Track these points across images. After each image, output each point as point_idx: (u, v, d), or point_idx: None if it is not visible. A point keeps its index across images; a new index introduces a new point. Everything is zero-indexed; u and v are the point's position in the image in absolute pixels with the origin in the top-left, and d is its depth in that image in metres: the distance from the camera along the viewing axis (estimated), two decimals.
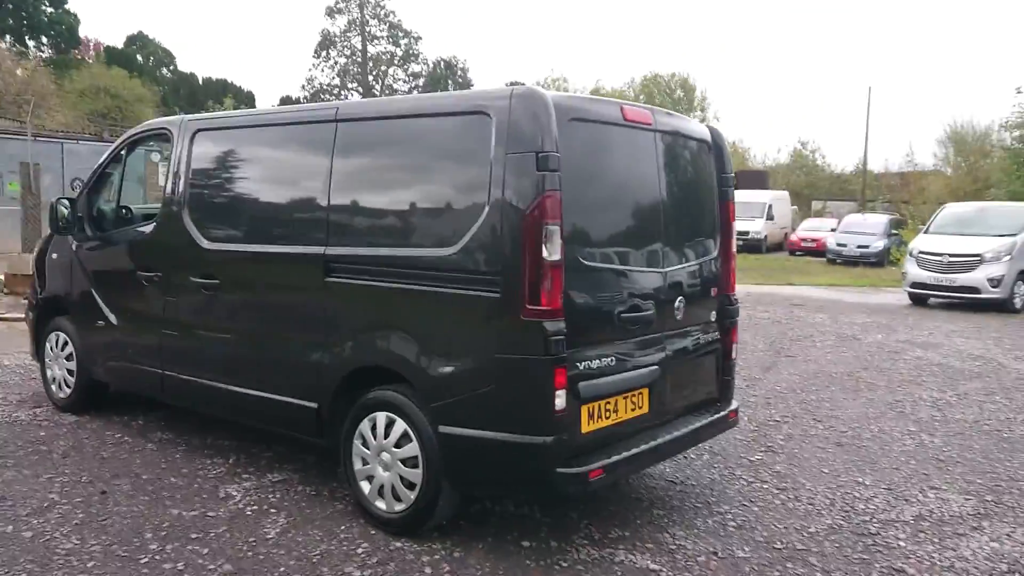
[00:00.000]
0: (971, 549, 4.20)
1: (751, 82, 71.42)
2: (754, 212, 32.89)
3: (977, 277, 14.63)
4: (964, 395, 7.79)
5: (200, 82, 56.04)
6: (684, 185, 4.53)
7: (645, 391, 4.15)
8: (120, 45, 54.03)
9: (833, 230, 31.30)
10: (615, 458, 3.82)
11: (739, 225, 28.43)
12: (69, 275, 5.96)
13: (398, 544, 4.01)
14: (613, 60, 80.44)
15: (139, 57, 55.01)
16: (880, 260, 26.47)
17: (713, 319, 4.68)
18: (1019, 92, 23.46)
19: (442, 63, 65.16)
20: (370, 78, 68.95)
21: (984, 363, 9.51)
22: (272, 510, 4.41)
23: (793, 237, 32.53)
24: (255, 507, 4.44)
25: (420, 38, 68.09)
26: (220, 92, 50.26)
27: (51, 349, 6.21)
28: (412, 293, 3.95)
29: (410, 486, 4.01)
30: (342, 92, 69.36)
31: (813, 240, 31.51)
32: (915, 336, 11.28)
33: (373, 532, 4.14)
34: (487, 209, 3.65)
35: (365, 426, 4.17)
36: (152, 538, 4.03)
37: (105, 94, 35.31)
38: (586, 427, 3.77)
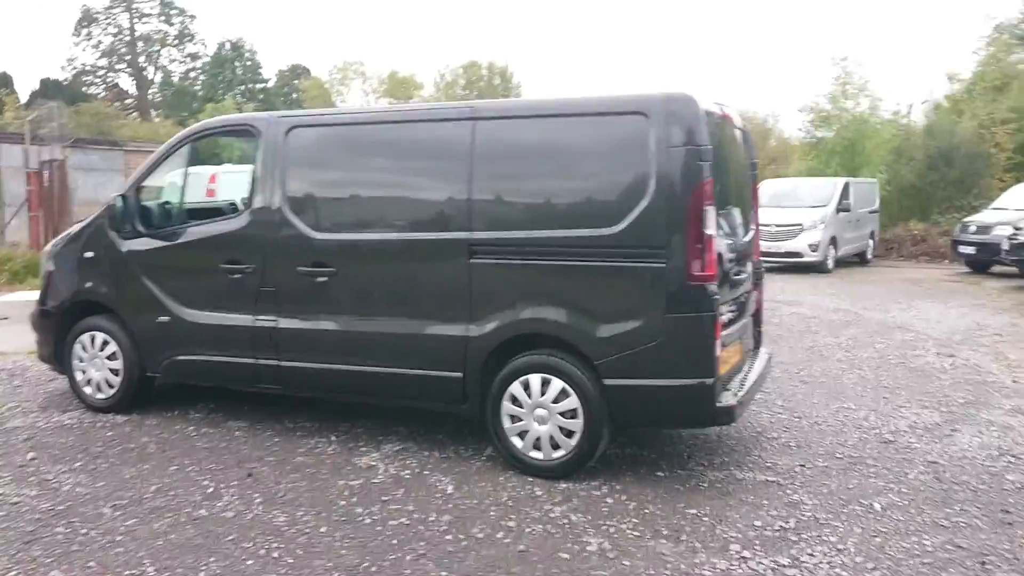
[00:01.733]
0: (965, 443, 5.53)
1: (566, 73, 75.01)
2: None
3: (799, 243, 17.01)
4: (854, 339, 9.45)
5: None
6: (744, 169, 5.50)
7: (739, 342, 5.09)
8: None
9: None
10: (740, 394, 4.73)
11: None
12: (114, 273, 5.90)
13: (565, 485, 4.67)
14: (423, 46, 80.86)
15: None
16: None
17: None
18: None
19: (228, 44, 62.33)
20: (141, 59, 64.49)
21: (845, 313, 11.39)
22: (425, 472, 4.89)
23: None
24: (407, 473, 4.89)
25: (195, 17, 64.60)
26: None
27: (83, 350, 6.08)
28: (572, 268, 4.61)
29: (568, 434, 4.68)
30: (109, 74, 64.37)
31: None
32: (774, 295, 13.09)
33: (529, 480, 4.75)
34: (649, 194, 4.40)
35: (516, 388, 4.77)
36: (349, 504, 4.39)
37: None
38: (720, 371, 4.64)
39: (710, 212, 4.37)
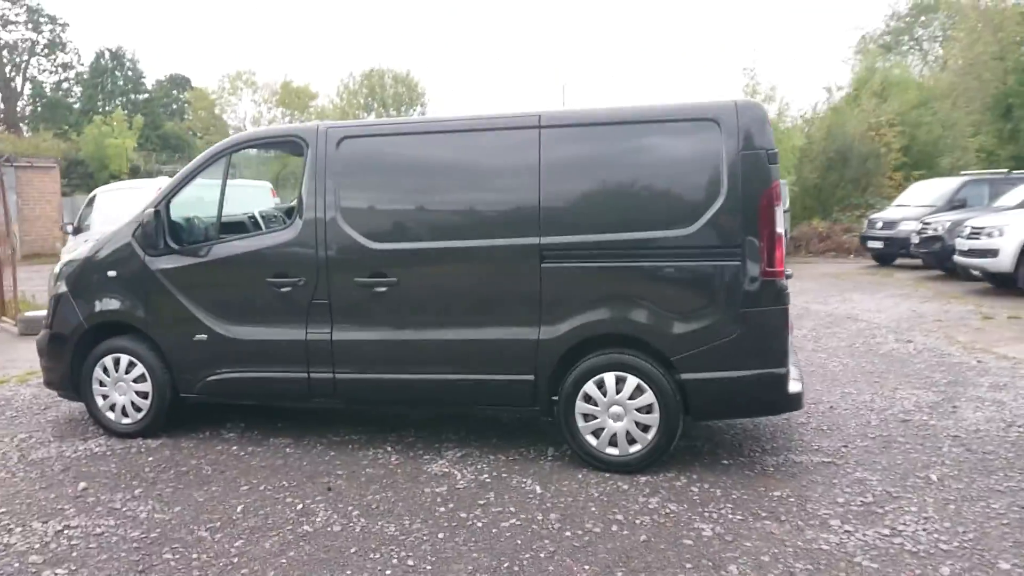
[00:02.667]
0: (972, 418, 6.04)
1: (467, 80, 75.20)
2: None
3: None
4: (815, 330, 10.06)
5: None
6: None
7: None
8: None
9: None
10: (797, 379, 5.04)
11: None
12: (143, 291, 5.69)
13: (644, 478, 4.86)
14: (314, 56, 79.29)
15: None
16: None
17: None
18: None
19: (107, 53, 59.42)
20: (7, 69, 60.67)
21: (792, 307, 12.03)
22: (503, 475, 4.97)
23: None
24: (486, 477, 4.96)
25: (68, 25, 61.34)
26: None
27: (104, 374, 5.84)
28: (646, 269, 4.81)
29: (644, 429, 4.88)
30: None
31: None
32: None
33: (607, 475, 4.92)
34: (722, 197, 4.66)
35: (590, 387, 4.93)
36: (449, 510, 4.44)
37: None
38: None
39: (779, 212, 4.65)
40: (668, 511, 4.38)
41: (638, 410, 4.88)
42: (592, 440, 4.97)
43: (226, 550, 4.02)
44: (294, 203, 6.54)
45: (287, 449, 5.56)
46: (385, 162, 5.30)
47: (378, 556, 3.92)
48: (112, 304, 5.80)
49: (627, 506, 4.46)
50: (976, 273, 13.78)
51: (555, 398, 5.07)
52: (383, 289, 5.20)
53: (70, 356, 5.92)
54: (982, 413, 6.15)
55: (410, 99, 38.09)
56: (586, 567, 3.76)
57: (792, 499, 4.52)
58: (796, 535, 4.06)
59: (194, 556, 3.96)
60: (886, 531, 4.08)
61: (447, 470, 5.08)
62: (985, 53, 40.40)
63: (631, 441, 4.91)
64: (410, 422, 6.05)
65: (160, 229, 5.51)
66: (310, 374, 5.40)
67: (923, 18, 61.01)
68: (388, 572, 3.76)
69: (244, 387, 5.60)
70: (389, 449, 5.51)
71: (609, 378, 4.91)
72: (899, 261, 18.20)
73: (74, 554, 4.01)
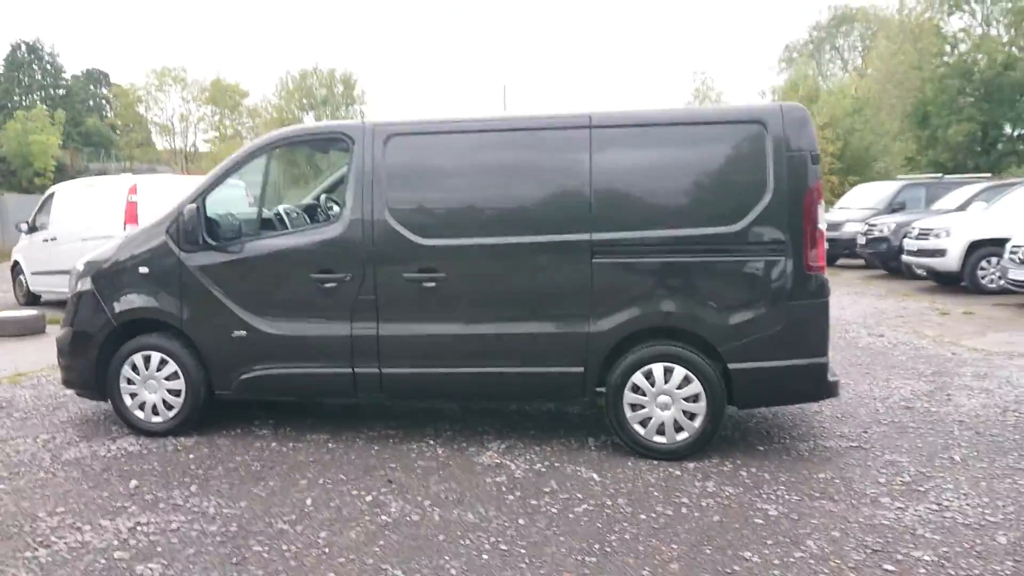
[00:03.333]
0: (969, 405, 6.47)
1: (412, 81, 74.93)
2: None
3: None
4: None
5: None
6: None
7: None
8: None
9: None
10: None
11: None
12: (176, 287, 5.64)
13: (692, 464, 5.08)
14: (251, 53, 77.83)
15: None
16: None
17: None
18: None
19: (24, 46, 57.03)
20: None
21: None
22: (556, 464, 5.13)
23: None
24: (540, 466, 5.10)
25: None
26: None
27: (133, 372, 5.76)
28: (695, 263, 5.04)
29: (691, 417, 5.10)
30: None
31: None
32: None
33: (656, 463, 5.12)
34: (768, 195, 4.92)
35: (638, 377, 5.13)
36: (517, 499, 4.58)
37: None
38: None
39: (821, 209, 4.94)
40: (727, 494, 4.60)
41: (685, 399, 5.09)
42: (640, 429, 5.16)
43: (314, 541, 4.06)
44: (313, 201, 6.59)
45: (328, 444, 5.59)
46: (434, 160, 5.38)
47: (468, 542, 4.02)
48: (144, 301, 5.72)
49: (687, 490, 4.66)
50: (921, 272, 14.55)
51: (599, 389, 5.23)
52: (431, 284, 5.28)
53: (96, 354, 5.81)
54: (976, 400, 6.58)
55: (349, 98, 37.72)
56: (674, 547, 3.95)
57: (837, 480, 4.80)
58: (854, 512, 4.33)
59: (284, 547, 3.99)
60: (934, 506, 4.39)
61: (499, 461, 5.20)
62: (904, 63, 42.44)
63: (678, 429, 5.13)
64: (441, 416, 6.14)
65: (200, 225, 5.47)
66: (355, 369, 5.44)
67: (843, 28, 63.55)
68: (485, 557, 3.87)
69: (284, 384, 5.61)
70: (431, 442, 5.59)
71: (657, 368, 5.11)
72: (841, 261, 19.01)
73: (159, 549, 3.99)
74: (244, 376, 5.61)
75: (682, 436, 5.13)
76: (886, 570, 3.68)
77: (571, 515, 4.34)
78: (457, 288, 5.28)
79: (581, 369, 5.19)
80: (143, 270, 5.70)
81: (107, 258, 5.85)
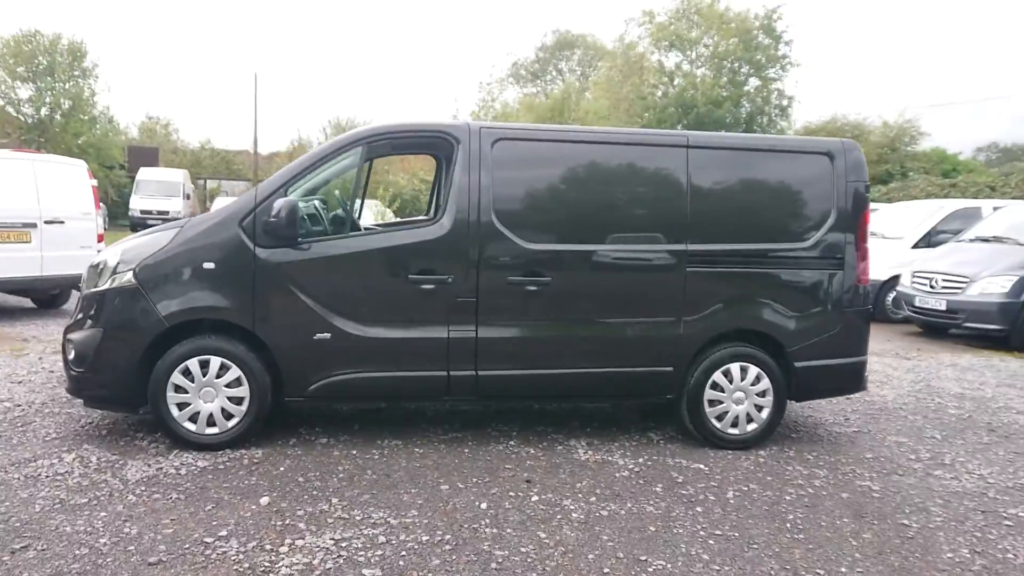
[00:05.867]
0: (959, 403, 7.87)
1: (160, 64, 67.05)
2: (173, 191, 32.68)
3: None
4: None
5: None
6: None
7: None
8: None
9: None
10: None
11: (157, 204, 29.11)
12: (248, 286, 5.19)
13: (762, 452, 5.77)
14: None
15: None
16: None
17: None
18: None
19: None
20: None
21: None
22: (656, 458, 5.54)
23: None
24: (643, 460, 5.48)
25: None
26: None
27: (186, 379, 5.21)
28: (771, 274, 5.73)
29: (759, 410, 5.80)
30: None
31: None
32: None
33: (732, 452, 5.74)
34: (832, 218, 5.77)
35: (718, 376, 5.73)
36: (671, 491, 4.95)
37: None
38: None
39: (869, 231, 5.88)
40: (822, 475, 5.33)
41: (757, 395, 5.75)
42: (716, 422, 5.73)
43: (543, 540, 4.11)
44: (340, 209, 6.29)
45: (417, 451, 5.47)
46: (542, 166, 5.52)
47: (680, 531, 4.32)
48: (208, 300, 5.17)
49: (791, 473, 5.32)
50: None
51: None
52: (534, 288, 5.42)
53: (137, 360, 5.14)
54: (956, 386, 7.99)
55: (75, 70, 33.65)
56: (845, 520, 4.57)
57: (883, 458, 5.74)
58: (924, 480, 5.27)
59: (523, 549, 4.01)
60: (975, 475, 5.45)
61: (599, 457, 5.48)
62: (631, 92, 47.11)
63: (748, 421, 5.77)
64: (491, 417, 6.22)
65: (297, 222, 5.09)
66: (450, 372, 5.40)
67: (566, 52, 68.75)
68: (712, 542, 4.20)
69: (370, 387, 5.39)
70: (514, 444, 5.70)
71: (735, 367, 5.72)
72: None
73: (401, 563, 3.81)
74: (323, 381, 5.31)
75: (751, 427, 5.78)
76: (1007, 525, 4.59)
77: (730, 501, 4.79)
78: (559, 292, 5.46)
79: (671, 368, 5.64)
80: (208, 266, 5.15)
81: (157, 250, 5.19)
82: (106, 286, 5.21)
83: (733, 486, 5.03)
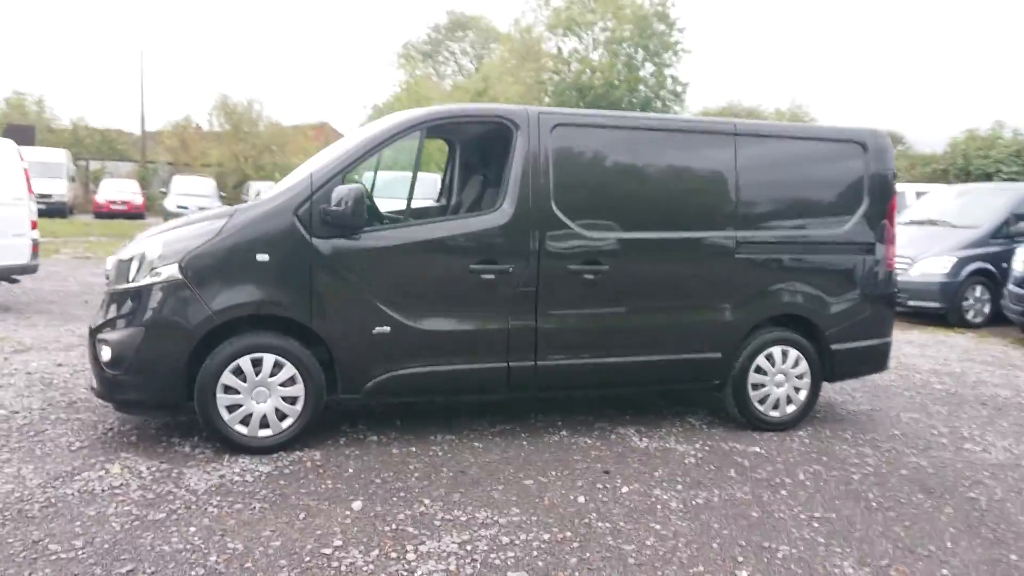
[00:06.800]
0: (939, 378, 8.25)
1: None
2: (55, 172, 30.55)
3: None
4: None
5: None
6: None
7: None
8: None
9: (146, 192, 31.86)
10: None
11: (39, 186, 27.35)
12: (305, 278, 4.90)
13: (804, 433, 5.94)
14: None
15: None
16: None
17: None
18: None
19: None
20: None
21: None
22: (710, 443, 5.62)
23: (100, 199, 31.51)
24: (699, 445, 5.54)
25: None
26: None
27: (237, 378, 4.89)
28: (811, 260, 5.88)
29: (797, 392, 5.97)
30: None
31: (124, 202, 31.38)
32: None
33: (777, 434, 5.89)
34: (864, 204, 5.97)
35: (761, 360, 5.85)
36: (743, 474, 5.02)
37: None
38: None
39: (895, 217, 6.12)
40: (869, 453, 5.54)
41: (797, 377, 5.91)
42: (759, 406, 5.86)
43: (654, 530, 4.09)
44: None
45: (476, 445, 5.33)
46: (599, 153, 5.45)
47: (781, 514, 4.39)
48: (261, 294, 4.85)
49: (842, 453, 5.50)
50: None
51: None
52: (592, 276, 5.37)
53: (184, 359, 4.78)
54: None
55: None
56: (920, 496, 4.77)
57: (909, 435, 6.01)
58: (959, 455, 5.56)
59: (647, 542, 3.97)
60: (999, 448, 5.80)
61: (656, 444, 5.50)
62: (529, 76, 47.39)
63: (787, 403, 5.92)
64: (528, 408, 6.13)
65: (360, 210, 4.83)
66: (510, 364, 5.29)
67: (458, 33, 68.30)
68: (815, 524, 4.29)
69: (430, 383, 5.21)
70: (566, 434, 5.64)
71: (776, 351, 5.85)
72: None
73: (540, 564, 3.71)
74: (382, 377, 5.09)
75: (790, 409, 5.93)
76: None
77: (806, 483, 4.90)
78: (617, 280, 5.42)
79: (719, 355, 5.71)
80: (262, 258, 4.83)
81: (204, 242, 4.82)
82: (145, 281, 4.80)
83: (800, 468, 5.14)
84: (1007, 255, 11.19)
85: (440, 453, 5.13)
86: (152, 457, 4.83)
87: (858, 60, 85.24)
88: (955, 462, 5.40)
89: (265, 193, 5.27)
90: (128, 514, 4.04)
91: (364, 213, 4.82)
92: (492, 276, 5.15)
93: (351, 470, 4.77)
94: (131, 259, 4.92)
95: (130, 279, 4.86)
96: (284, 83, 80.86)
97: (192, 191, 28.86)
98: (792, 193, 5.90)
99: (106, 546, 3.69)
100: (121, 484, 4.41)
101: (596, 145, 5.47)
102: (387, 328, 5.01)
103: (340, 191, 4.79)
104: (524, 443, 5.40)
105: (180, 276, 4.73)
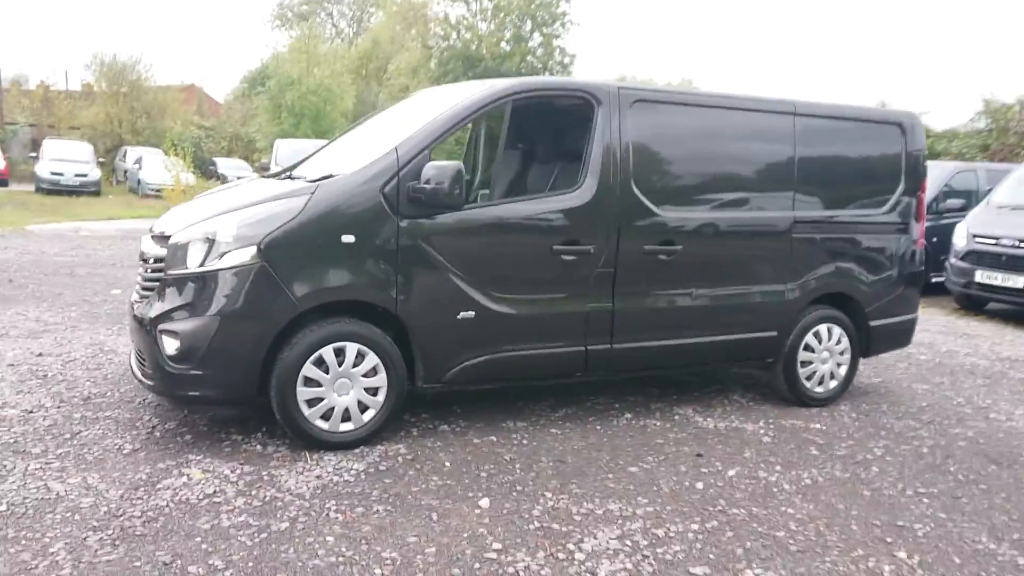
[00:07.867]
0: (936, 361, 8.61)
1: None
2: None
3: None
4: None
5: None
6: None
7: None
8: None
9: (7, 156, 29.28)
10: None
11: None
12: (392, 261, 4.57)
13: (845, 407, 6.11)
14: None
15: None
16: (98, 189, 26.71)
17: None
18: None
19: None
20: None
21: None
22: (772, 419, 5.69)
23: None
24: (763, 422, 5.61)
25: None
26: None
27: (318, 369, 4.53)
28: (856, 239, 6.01)
29: (839, 367, 6.14)
30: None
31: None
32: None
33: (825, 410, 6.02)
34: (902, 184, 6.16)
35: (810, 338, 5.97)
36: (820, 454, 5.11)
37: None
38: None
39: (925, 198, 6.35)
40: (917, 426, 5.75)
41: (840, 353, 6.07)
42: (807, 382, 5.98)
43: (788, 514, 4.09)
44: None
45: (554, 431, 5.17)
46: (675, 130, 5.32)
47: (889, 491, 4.48)
48: (347, 279, 4.49)
49: (896, 427, 5.66)
50: None
51: None
52: (665, 257, 5.29)
53: (264, 350, 4.38)
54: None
55: None
56: (993, 467, 4.98)
57: (937, 407, 6.29)
58: (992, 425, 5.86)
59: (791, 527, 3.97)
60: (1019, 416, 6.16)
61: (725, 424, 5.51)
62: (415, 40, 46.44)
63: (831, 378, 6.08)
64: (579, 391, 5.99)
65: (458, 188, 4.53)
66: (587, 347, 5.15)
67: None
68: (926, 500, 4.40)
69: (509, 368, 4.99)
70: (630, 416, 5.56)
71: (823, 328, 5.97)
72: None
73: (711, 555, 3.63)
74: (465, 364, 4.84)
75: (833, 385, 6.09)
76: None
77: (887, 459, 5.02)
78: (688, 261, 5.36)
79: (775, 333, 5.77)
80: (348, 239, 4.45)
81: (285, 222, 4.39)
82: (215, 265, 4.33)
83: (872, 443, 5.28)
84: (938, 231, 11.91)
85: (524, 442, 4.94)
86: (224, 458, 4.41)
87: (748, 34, 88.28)
88: (994, 432, 5.69)
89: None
90: (247, 525, 3.66)
91: (463, 191, 4.51)
92: (574, 257, 4.97)
93: (448, 464, 4.51)
94: (189, 241, 4.42)
95: (195, 263, 4.37)
96: (149, 41, 75.86)
97: (66, 156, 26.60)
98: (840, 173, 5.99)
99: (250, 564, 3.32)
100: (215, 491, 3.99)
101: (674, 123, 5.35)
102: (472, 313, 4.76)
103: (434, 167, 4.47)
104: (597, 428, 5.28)
105: (260, 260, 4.30)
